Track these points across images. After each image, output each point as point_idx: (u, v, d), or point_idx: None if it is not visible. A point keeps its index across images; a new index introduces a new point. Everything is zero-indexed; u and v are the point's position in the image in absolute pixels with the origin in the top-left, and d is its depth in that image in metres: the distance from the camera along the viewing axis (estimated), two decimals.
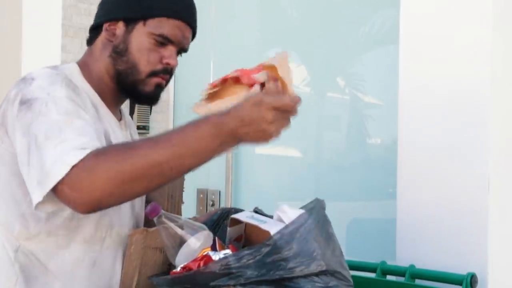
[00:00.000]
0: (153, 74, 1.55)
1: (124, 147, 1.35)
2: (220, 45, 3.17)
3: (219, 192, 3.08)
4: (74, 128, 1.34)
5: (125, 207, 1.62)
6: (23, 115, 1.37)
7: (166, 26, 1.54)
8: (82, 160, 1.28)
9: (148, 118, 3.18)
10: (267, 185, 2.98)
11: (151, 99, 1.60)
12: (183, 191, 1.90)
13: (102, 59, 1.56)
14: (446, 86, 2.09)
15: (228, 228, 1.63)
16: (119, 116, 1.66)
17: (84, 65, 1.58)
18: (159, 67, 1.55)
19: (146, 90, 1.56)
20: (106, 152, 1.31)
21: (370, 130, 2.65)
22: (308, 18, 2.85)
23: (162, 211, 1.53)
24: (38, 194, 1.32)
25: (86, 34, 1.65)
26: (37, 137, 1.34)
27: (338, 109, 2.74)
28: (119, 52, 1.53)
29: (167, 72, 1.57)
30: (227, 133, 1.31)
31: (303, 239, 1.41)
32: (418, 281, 2.00)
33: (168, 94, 3.31)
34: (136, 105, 3.11)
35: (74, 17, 3.01)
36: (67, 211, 1.46)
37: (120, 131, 1.63)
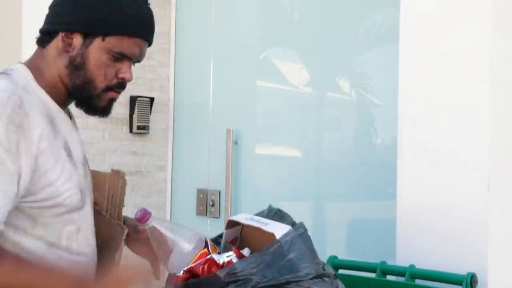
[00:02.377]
0: (108, 89, 1.54)
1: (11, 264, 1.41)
2: (220, 45, 3.17)
3: (219, 192, 3.08)
4: None
5: (87, 207, 1.59)
6: None
7: (126, 44, 1.51)
8: None
9: (148, 118, 3.18)
10: (267, 185, 2.98)
11: (103, 112, 1.57)
12: (124, 195, 1.82)
13: (56, 66, 1.53)
14: (446, 86, 2.09)
15: (225, 230, 1.63)
16: (69, 114, 1.63)
17: (36, 69, 1.53)
18: (114, 82, 1.54)
19: (100, 105, 1.55)
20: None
21: (370, 130, 2.65)
22: (308, 17, 2.85)
23: (153, 216, 1.53)
24: None
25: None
26: None
27: (338, 109, 2.75)
28: (76, 66, 1.51)
29: (122, 86, 1.56)
30: None
31: (304, 244, 1.42)
32: (418, 281, 2.00)
33: (168, 94, 3.32)
34: (136, 105, 3.12)
35: None
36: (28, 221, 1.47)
37: (76, 133, 1.63)
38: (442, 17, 2.11)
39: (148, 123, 3.19)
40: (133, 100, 3.13)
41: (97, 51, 1.50)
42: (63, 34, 1.50)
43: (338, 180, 2.69)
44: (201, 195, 3.16)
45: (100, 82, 1.52)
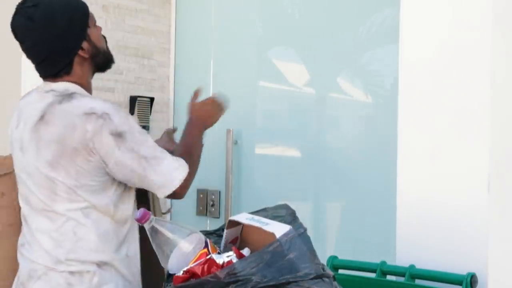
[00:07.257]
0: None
1: (185, 155, 2.07)
2: (220, 45, 3.17)
3: (219, 192, 3.08)
4: (160, 149, 1.98)
5: None
6: (124, 145, 1.89)
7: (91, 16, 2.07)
8: (189, 173, 2.00)
9: (148, 118, 3.18)
10: (267, 185, 2.98)
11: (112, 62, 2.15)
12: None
13: (85, 72, 2.04)
14: (447, 85, 2.09)
15: (226, 230, 1.63)
16: None
17: (81, 85, 2.02)
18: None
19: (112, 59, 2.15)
20: (188, 163, 2.02)
21: (370, 130, 2.65)
22: (308, 17, 2.85)
23: (152, 216, 1.53)
24: (165, 191, 1.96)
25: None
26: (147, 158, 1.92)
27: (338, 109, 2.74)
28: (95, 55, 2.03)
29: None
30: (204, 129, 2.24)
31: (304, 244, 1.41)
32: (418, 281, 2.00)
33: (168, 94, 3.32)
34: (136, 105, 3.12)
35: None
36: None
37: None
38: (442, 17, 2.11)
39: (148, 123, 3.19)
40: (133, 100, 3.13)
41: (93, 32, 2.03)
42: (79, 52, 1.99)
43: (338, 180, 2.69)
44: (201, 195, 3.16)
45: (104, 45, 2.08)
